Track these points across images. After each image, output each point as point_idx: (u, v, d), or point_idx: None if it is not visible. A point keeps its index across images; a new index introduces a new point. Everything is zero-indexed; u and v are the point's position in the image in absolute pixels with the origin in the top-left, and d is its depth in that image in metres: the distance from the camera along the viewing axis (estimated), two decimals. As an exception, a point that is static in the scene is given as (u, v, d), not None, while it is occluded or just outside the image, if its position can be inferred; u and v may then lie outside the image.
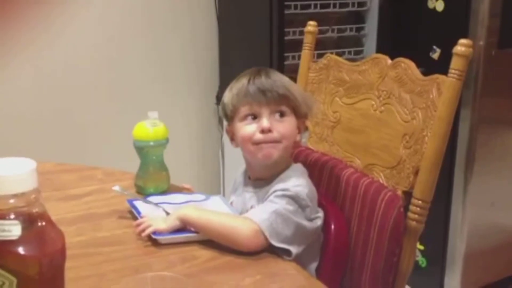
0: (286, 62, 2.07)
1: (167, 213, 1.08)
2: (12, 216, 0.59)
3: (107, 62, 2.27)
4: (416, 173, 1.05)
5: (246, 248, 0.97)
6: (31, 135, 2.16)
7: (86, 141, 2.28)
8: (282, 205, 1.01)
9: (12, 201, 0.59)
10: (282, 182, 1.07)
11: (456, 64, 1.00)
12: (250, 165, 1.16)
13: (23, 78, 2.15)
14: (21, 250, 0.58)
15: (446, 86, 1.01)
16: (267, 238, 0.97)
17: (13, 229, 0.58)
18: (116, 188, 1.16)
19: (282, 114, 1.08)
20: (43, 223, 0.61)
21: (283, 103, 1.08)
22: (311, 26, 1.35)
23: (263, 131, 1.07)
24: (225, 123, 1.20)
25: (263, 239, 0.97)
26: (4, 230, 0.58)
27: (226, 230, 0.98)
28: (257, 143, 1.08)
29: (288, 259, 0.98)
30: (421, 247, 2.11)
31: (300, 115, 1.12)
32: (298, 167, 1.14)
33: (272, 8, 2.02)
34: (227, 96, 1.13)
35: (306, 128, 1.18)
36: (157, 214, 1.07)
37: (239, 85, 1.11)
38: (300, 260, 1.01)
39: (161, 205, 1.12)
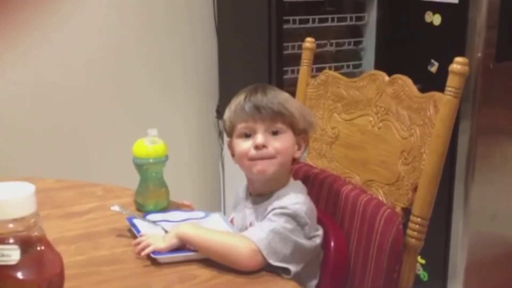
0: (285, 76, 2.07)
1: (166, 232, 1.08)
2: (12, 241, 0.59)
3: (106, 76, 2.28)
4: (414, 189, 1.05)
5: (244, 268, 0.97)
6: (30, 150, 2.17)
7: (85, 156, 2.28)
8: (280, 223, 1.02)
9: (11, 225, 0.59)
10: (281, 199, 1.07)
11: (452, 82, 1.00)
12: (250, 180, 1.17)
13: (20, 91, 2.14)
14: (20, 274, 0.58)
15: (442, 103, 1.01)
16: (265, 257, 0.98)
17: (12, 254, 0.59)
18: (115, 208, 1.16)
19: (277, 131, 1.09)
20: (42, 247, 0.62)
21: (278, 120, 1.09)
22: (309, 42, 1.36)
23: (257, 147, 1.08)
24: (225, 137, 1.20)
25: (261, 258, 0.97)
26: (3, 255, 0.58)
27: (224, 249, 0.98)
28: (252, 159, 1.09)
29: (287, 277, 0.98)
30: (422, 261, 2.10)
31: (299, 131, 1.13)
32: (297, 184, 1.14)
33: (271, 23, 2.03)
34: (226, 113, 1.15)
35: (307, 145, 1.18)
36: (156, 233, 1.07)
37: (237, 102, 1.12)
38: (300, 278, 1.01)
39: (160, 223, 1.12)
